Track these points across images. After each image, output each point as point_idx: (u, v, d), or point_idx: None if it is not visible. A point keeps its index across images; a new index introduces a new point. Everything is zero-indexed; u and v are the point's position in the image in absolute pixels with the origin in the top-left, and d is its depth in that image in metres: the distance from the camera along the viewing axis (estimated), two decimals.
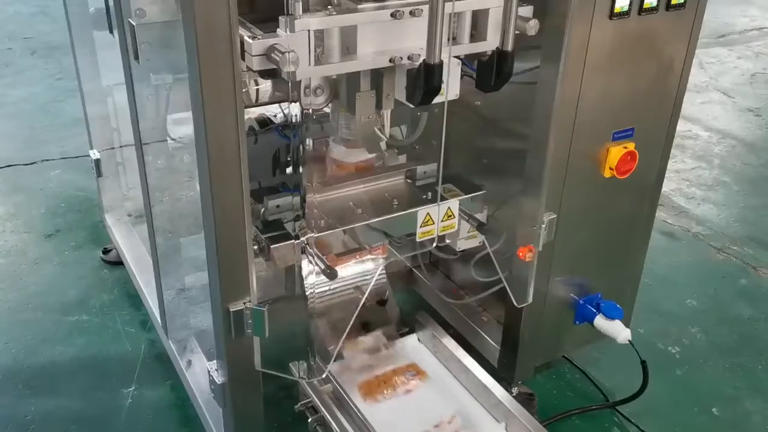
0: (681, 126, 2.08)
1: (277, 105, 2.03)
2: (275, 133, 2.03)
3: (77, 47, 2.70)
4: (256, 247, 1.73)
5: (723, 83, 5.05)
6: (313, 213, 1.84)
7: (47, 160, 3.74)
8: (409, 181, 2.03)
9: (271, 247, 1.73)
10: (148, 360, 2.46)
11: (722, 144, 4.21)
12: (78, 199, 3.38)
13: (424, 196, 1.94)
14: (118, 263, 2.86)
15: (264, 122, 2.08)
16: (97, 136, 2.84)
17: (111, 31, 1.95)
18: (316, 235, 1.76)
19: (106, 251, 2.94)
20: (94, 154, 2.82)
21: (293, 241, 1.75)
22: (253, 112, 2.04)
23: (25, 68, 4.89)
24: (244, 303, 1.61)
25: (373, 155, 1.97)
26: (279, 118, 2.06)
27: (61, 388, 2.34)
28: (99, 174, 2.83)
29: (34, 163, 3.71)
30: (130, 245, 2.75)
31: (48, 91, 4.53)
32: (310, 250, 1.74)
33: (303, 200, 1.81)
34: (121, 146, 2.82)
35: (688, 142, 4.16)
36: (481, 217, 1.98)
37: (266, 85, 1.75)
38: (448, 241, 2.01)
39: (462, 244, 2.03)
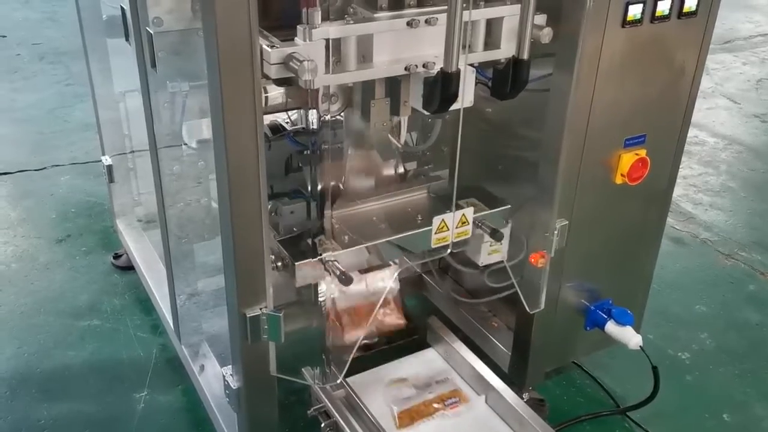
0: (688, 132, 2.09)
1: (287, 112, 2.04)
2: (287, 140, 2.05)
3: (89, 54, 2.72)
4: (279, 263, 1.75)
5: (729, 89, 5.07)
6: (335, 228, 1.84)
7: (57, 165, 3.76)
8: (432, 195, 2.01)
9: (296, 264, 1.73)
10: (160, 364, 2.47)
11: (729, 150, 4.22)
12: (88, 205, 3.40)
13: (448, 211, 1.92)
14: (129, 268, 2.87)
15: (276, 129, 2.09)
16: (109, 142, 2.86)
17: (127, 39, 1.97)
18: (340, 252, 1.75)
19: (116, 256, 2.96)
20: (107, 160, 2.84)
21: (317, 258, 1.74)
22: (265, 119, 2.05)
23: (33, 74, 4.91)
24: (261, 308, 1.62)
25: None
26: (291, 125, 2.08)
27: (73, 393, 2.35)
28: (111, 180, 2.85)
29: (44, 168, 3.73)
30: (141, 250, 2.77)
31: (56, 97, 4.55)
32: (333, 267, 1.72)
33: (321, 214, 1.82)
34: (132, 152, 2.84)
35: (694, 148, 4.17)
36: (506, 231, 1.95)
37: (276, 93, 1.76)
38: (468, 254, 2.00)
39: (485, 259, 2.01)
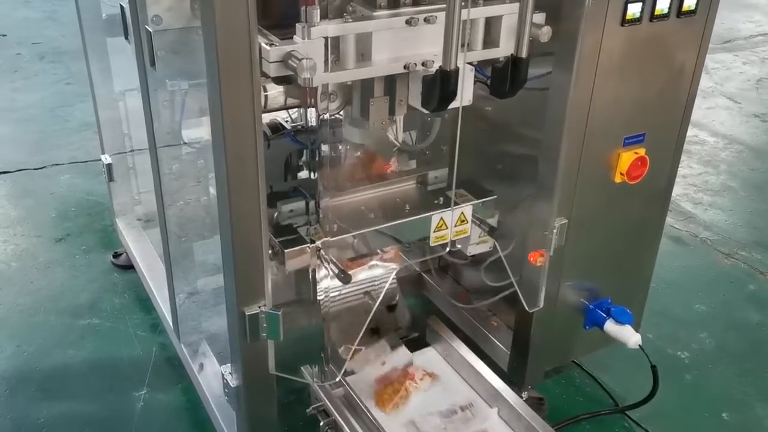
0: (688, 131, 2.09)
1: (287, 110, 2.04)
2: (287, 139, 2.05)
3: (89, 53, 2.72)
4: (270, 251, 1.75)
5: (729, 89, 5.06)
6: (325, 217, 1.85)
7: (57, 164, 3.76)
8: (420, 185, 2.04)
9: (286, 251, 1.74)
10: (159, 363, 2.47)
11: (729, 149, 4.21)
12: (88, 204, 3.40)
13: (436, 201, 1.96)
14: (129, 267, 2.87)
15: (276, 128, 2.10)
16: (109, 141, 2.86)
17: (126, 38, 1.97)
18: (331, 239, 1.77)
19: (116, 255, 2.96)
20: (106, 158, 2.84)
21: (307, 245, 1.76)
22: (264, 118, 2.05)
23: (34, 73, 4.91)
24: (260, 307, 1.62)
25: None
26: (291, 124, 2.08)
27: (73, 391, 2.35)
28: (111, 179, 2.85)
29: (44, 167, 3.73)
30: (141, 249, 2.77)
31: (57, 96, 4.55)
32: (325, 255, 1.75)
33: (318, 205, 1.83)
34: (132, 151, 2.84)
35: (694, 148, 4.17)
36: (492, 221, 1.99)
37: (275, 92, 1.76)
38: (458, 246, 2.01)
39: (473, 249, 2.04)
